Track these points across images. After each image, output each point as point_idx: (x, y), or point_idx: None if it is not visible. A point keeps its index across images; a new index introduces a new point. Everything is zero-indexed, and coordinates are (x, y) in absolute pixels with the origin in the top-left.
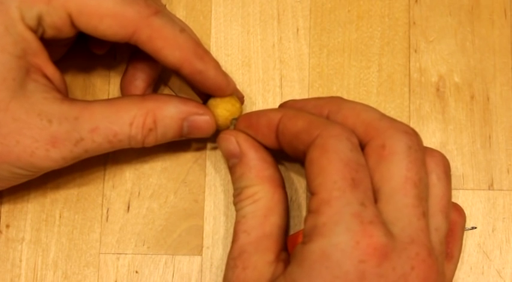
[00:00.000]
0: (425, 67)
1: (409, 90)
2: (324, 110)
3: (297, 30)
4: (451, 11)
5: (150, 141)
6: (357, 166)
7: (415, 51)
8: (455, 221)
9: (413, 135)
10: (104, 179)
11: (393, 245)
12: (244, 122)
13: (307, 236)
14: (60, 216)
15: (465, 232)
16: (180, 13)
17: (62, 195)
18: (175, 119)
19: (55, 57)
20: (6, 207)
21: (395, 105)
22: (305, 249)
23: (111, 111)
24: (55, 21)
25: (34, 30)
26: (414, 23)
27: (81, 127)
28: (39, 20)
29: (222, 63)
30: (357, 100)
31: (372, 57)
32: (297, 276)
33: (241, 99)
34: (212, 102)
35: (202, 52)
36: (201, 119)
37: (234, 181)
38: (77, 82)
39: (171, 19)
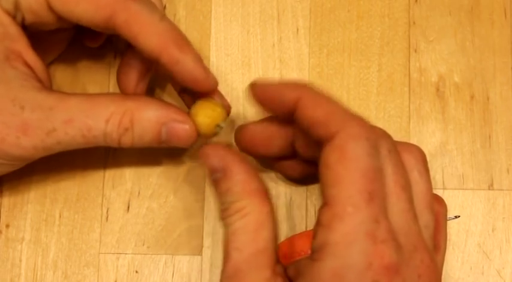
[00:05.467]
0: (425, 67)
1: (409, 90)
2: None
3: (297, 30)
4: (451, 11)
5: (126, 141)
6: (374, 175)
7: (415, 51)
8: (438, 212)
9: (389, 138)
10: (103, 179)
11: (402, 259)
12: (259, 94)
13: (318, 252)
14: (60, 216)
15: (465, 233)
16: (180, 13)
17: (62, 195)
18: (153, 123)
19: (54, 54)
20: (6, 207)
21: (395, 105)
22: (316, 267)
23: (88, 105)
24: (32, 5)
25: (12, 15)
26: (414, 22)
27: (55, 117)
28: (16, 4)
29: (222, 63)
30: (356, 100)
31: (371, 57)
32: None
33: (227, 107)
34: (192, 111)
35: (182, 42)
36: (180, 127)
37: (219, 196)
38: (77, 80)
39: (151, 7)
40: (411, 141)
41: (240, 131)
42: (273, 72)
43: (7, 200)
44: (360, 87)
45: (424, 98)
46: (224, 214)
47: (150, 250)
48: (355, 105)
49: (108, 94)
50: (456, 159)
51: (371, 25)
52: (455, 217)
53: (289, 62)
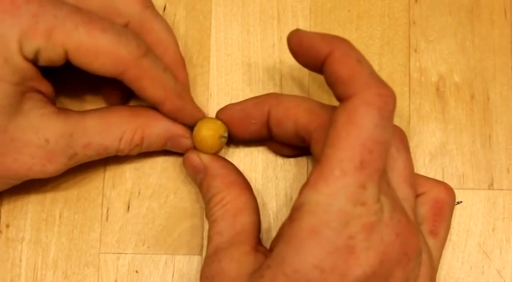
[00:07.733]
0: (425, 67)
1: (409, 90)
2: (265, 107)
3: None
4: (451, 11)
5: (134, 153)
6: (373, 145)
7: (415, 50)
8: (443, 199)
9: None
10: (104, 179)
11: (381, 218)
12: (294, 42)
13: (297, 210)
14: (60, 216)
15: (465, 233)
16: (180, 13)
17: (62, 195)
18: (161, 137)
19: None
20: (6, 207)
21: None
22: (294, 226)
23: (103, 127)
24: (51, 55)
25: (30, 60)
26: (414, 22)
27: (76, 143)
28: (37, 53)
29: (222, 63)
30: None
31: (372, 57)
32: (286, 254)
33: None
34: (195, 129)
35: (181, 89)
36: (185, 141)
37: (204, 195)
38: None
39: (157, 59)
40: (411, 141)
41: (221, 110)
42: (273, 72)
43: (7, 200)
44: None
45: (424, 98)
46: (207, 209)
47: (150, 250)
48: None
49: (119, 110)
50: (456, 159)
51: (371, 25)
52: (458, 203)
53: (289, 62)
